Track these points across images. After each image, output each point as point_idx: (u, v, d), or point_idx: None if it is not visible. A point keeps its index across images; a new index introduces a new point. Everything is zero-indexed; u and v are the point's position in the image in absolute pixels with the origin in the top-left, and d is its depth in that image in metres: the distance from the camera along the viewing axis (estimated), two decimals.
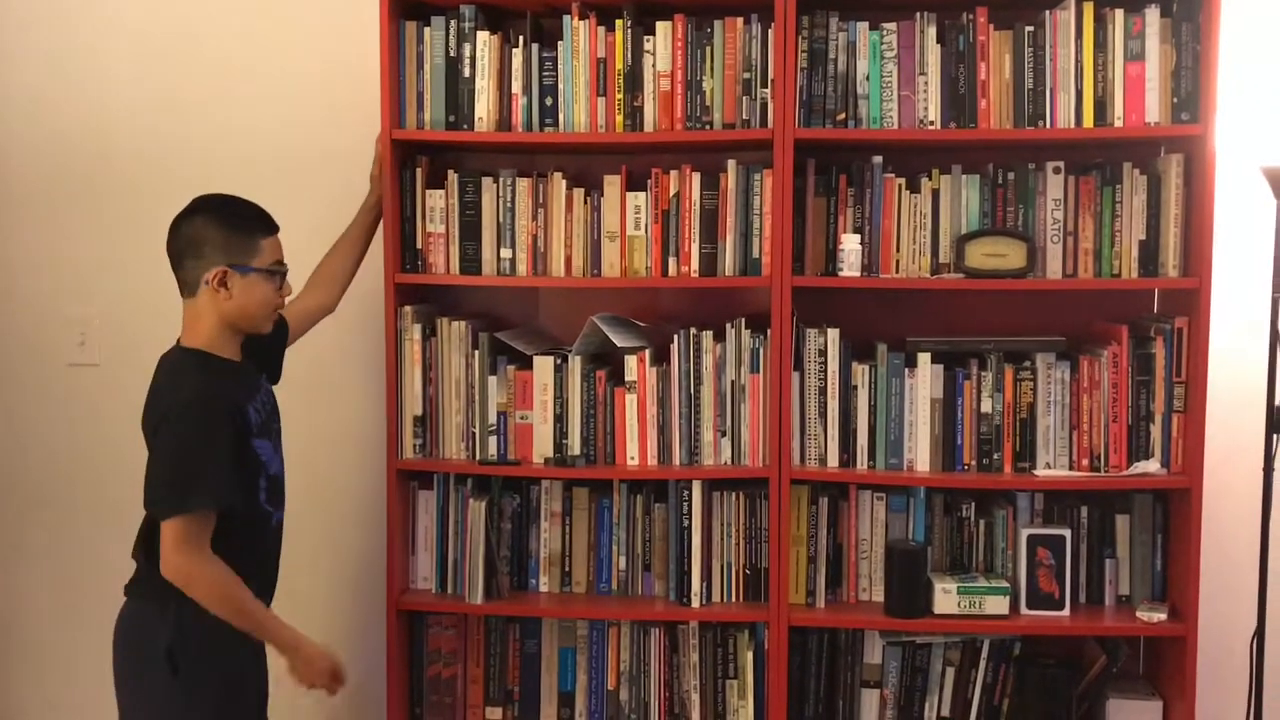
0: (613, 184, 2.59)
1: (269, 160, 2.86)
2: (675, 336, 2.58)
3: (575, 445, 2.61)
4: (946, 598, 2.50)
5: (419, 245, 2.62)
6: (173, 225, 2.16)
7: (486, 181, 2.60)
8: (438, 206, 2.61)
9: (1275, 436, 2.47)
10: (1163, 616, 2.48)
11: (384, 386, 2.61)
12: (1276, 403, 2.46)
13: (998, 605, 2.50)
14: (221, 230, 2.12)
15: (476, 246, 2.61)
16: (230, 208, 2.16)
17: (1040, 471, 2.51)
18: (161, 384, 2.14)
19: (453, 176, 2.61)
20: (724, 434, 2.59)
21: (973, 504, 2.62)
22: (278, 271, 2.18)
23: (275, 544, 2.25)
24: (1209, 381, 2.42)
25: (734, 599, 2.62)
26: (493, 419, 2.62)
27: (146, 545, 2.10)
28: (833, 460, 2.57)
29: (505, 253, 2.61)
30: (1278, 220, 2.44)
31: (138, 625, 2.11)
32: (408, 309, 2.61)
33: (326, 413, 2.90)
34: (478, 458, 2.63)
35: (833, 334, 2.55)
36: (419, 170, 2.60)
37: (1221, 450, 2.56)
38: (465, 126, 2.57)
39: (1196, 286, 2.41)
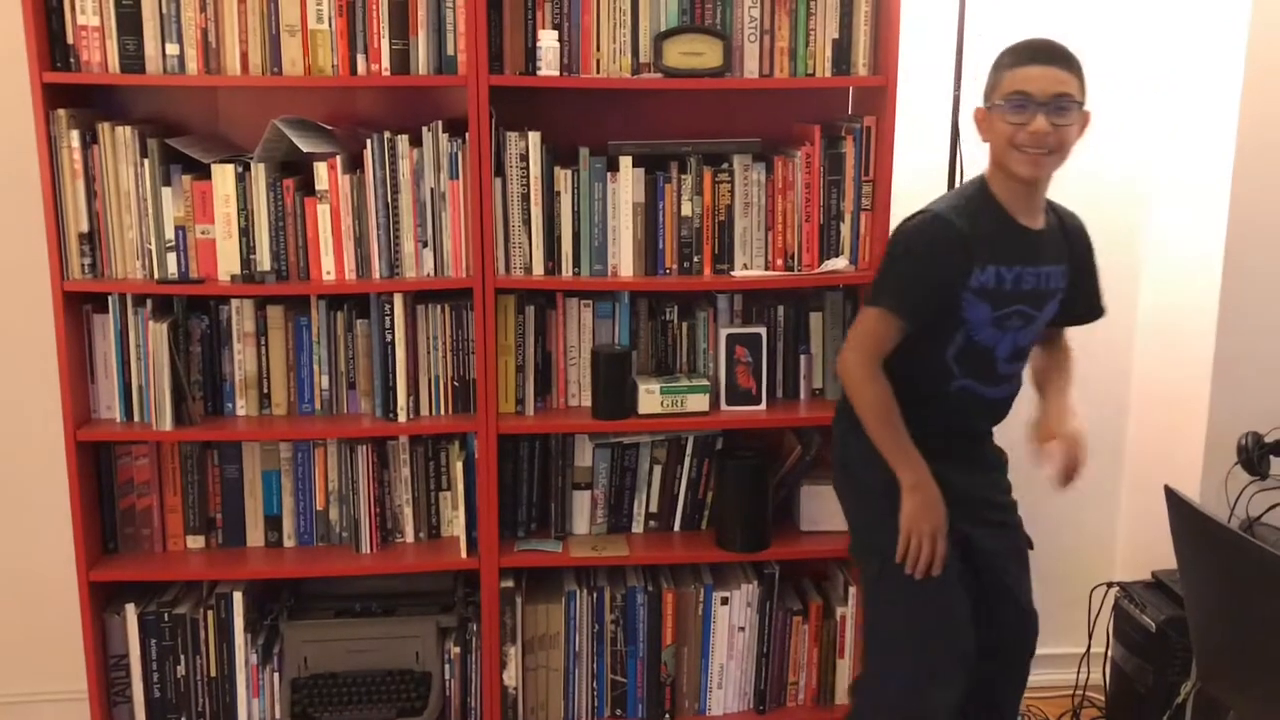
0: None
1: None
2: (368, 141, 2.44)
3: (264, 260, 2.45)
4: (650, 398, 2.55)
5: (70, 40, 2.33)
6: None
7: None
8: None
9: None
10: None
11: (41, 201, 2.36)
12: None
13: (699, 403, 2.57)
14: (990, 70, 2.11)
15: (138, 41, 2.35)
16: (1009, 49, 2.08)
17: (738, 272, 2.55)
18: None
19: None
20: (425, 244, 2.50)
21: (676, 307, 2.65)
22: (1010, 103, 2.02)
23: (950, 407, 2.19)
24: (894, 180, 2.50)
25: (444, 411, 2.58)
26: (170, 234, 2.42)
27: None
28: (538, 268, 2.52)
29: (171, 48, 2.36)
30: (959, 19, 2.50)
31: (835, 439, 2.33)
32: (62, 113, 2.34)
33: None
34: (156, 276, 2.43)
35: (534, 137, 2.47)
36: None
37: None
38: None
39: (884, 84, 2.46)
